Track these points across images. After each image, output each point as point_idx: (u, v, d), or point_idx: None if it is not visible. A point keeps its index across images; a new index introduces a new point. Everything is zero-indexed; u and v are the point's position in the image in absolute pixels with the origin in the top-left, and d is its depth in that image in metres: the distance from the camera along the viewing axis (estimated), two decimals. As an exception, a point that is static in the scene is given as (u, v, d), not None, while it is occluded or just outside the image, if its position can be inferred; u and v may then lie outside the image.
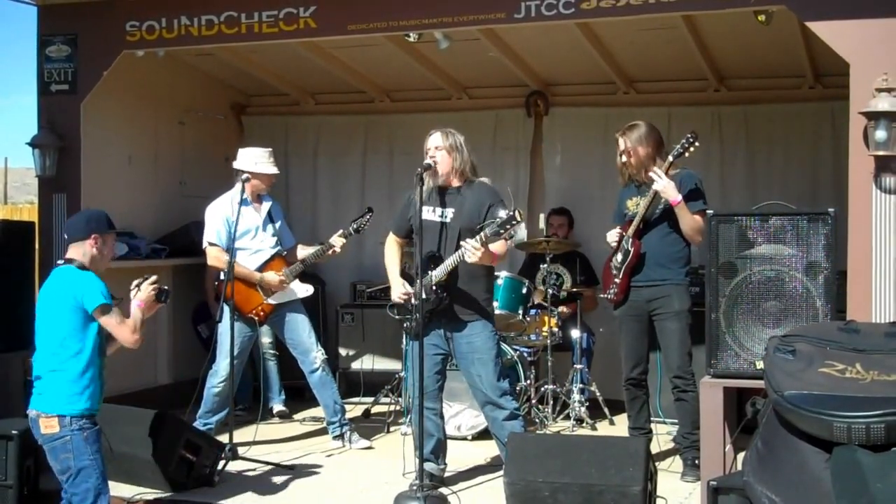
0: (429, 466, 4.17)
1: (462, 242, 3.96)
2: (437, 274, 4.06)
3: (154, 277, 3.62)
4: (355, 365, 6.31)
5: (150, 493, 4.13)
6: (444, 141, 4.17)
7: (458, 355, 4.21)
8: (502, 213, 3.89)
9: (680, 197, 4.25)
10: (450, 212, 4.15)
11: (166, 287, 3.68)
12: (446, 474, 4.34)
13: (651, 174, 4.30)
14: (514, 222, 3.84)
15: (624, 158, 4.41)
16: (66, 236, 3.63)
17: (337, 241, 4.99)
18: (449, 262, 4.05)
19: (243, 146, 5.30)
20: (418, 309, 3.97)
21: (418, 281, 4.00)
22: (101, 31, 5.21)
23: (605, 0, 4.36)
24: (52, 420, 3.44)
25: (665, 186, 4.25)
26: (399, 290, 4.23)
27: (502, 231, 3.87)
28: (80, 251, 3.54)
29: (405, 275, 4.30)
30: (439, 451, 4.29)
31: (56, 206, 5.27)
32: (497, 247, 4.04)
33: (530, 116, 6.45)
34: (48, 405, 3.46)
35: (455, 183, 4.19)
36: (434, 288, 4.06)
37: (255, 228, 4.97)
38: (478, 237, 3.92)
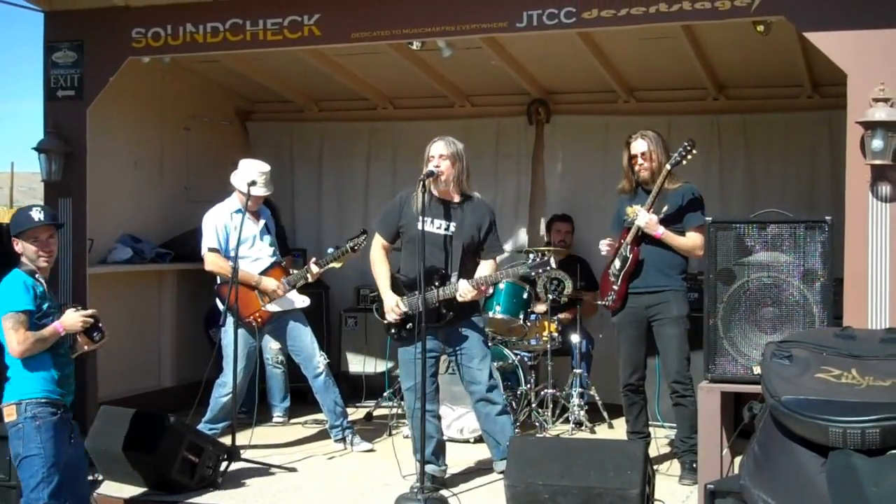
0: (430, 468, 4.21)
1: (459, 283, 4.06)
2: (441, 296, 4.10)
3: (91, 311, 3.49)
4: (357, 368, 6.35)
5: (154, 494, 4.15)
6: (446, 149, 4.17)
7: (457, 351, 4.23)
8: (534, 256, 3.95)
9: (662, 230, 4.29)
10: (450, 225, 4.18)
11: (102, 327, 3.52)
12: (447, 476, 4.38)
13: (631, 209, 4.36)
14: (548, 268, 3.90)
15: (641, 161, 4.40)
16: None
17: (313, 268, 5.01)
18: (447, 293, 4.09)
19: (248, 152, 5.34)
20: (416, 318, 4.02)
21: (420, 295, 3.98)
22: (107, 37, 5.26)
23: (606, 10, 4.41)
24: (11, 407, 3.45)
25: (647, 222, 4.30)
26: (392, 306, 4.18)
27: (533, 274, 3.94)
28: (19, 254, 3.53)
29: (394, 286, 4.27)
30: (439, 453, 4.33)
31: (62, 211, 5.30)
32: (490, 277, 4.13)
33: (532, 124, 6.51)
34: (9, 394, 3.48)
35: (455, 197, 4.21)
36: (437, 304, 4.11)
37: (253, 237, 5.01)
38: (471, 281, 4.04)
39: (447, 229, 4.17)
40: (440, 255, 4.15)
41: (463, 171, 4.19)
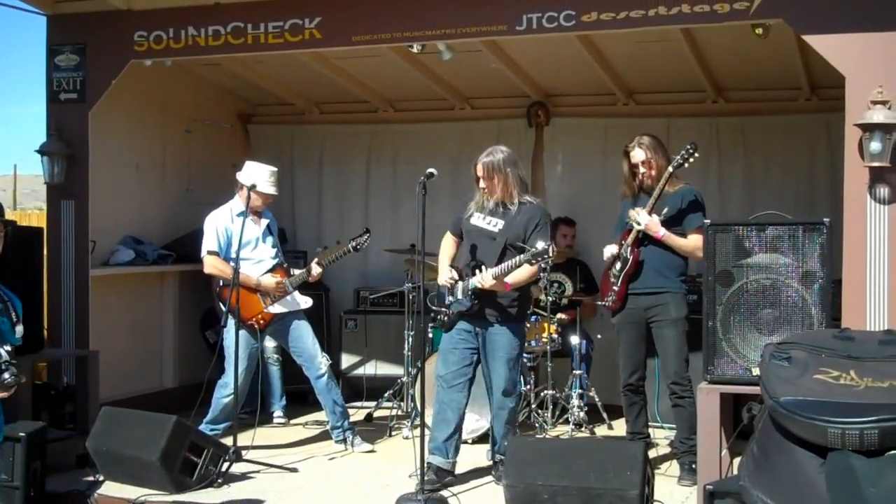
0: (437, 460, 4.34)
1: (478, 271, 4.26)
2: (471, 284, 4.31)
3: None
4: (358, 370, 6.38)
5: (155, 495, 4.17)
6: (482, 169, 4.32)
7: (483, 351, 4.40)
8: (540, 244, 4.10)
9: (663, 231, 4.31)
10: (500, 223, 4.35)
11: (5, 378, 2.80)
12: (455, 471, 4.42)
13: (633, 211, 4.38)
14: (546, 256, 4.06)
15: (643, 170, 4.43)
16: None
17: (315, 268, 5.04)
18: (475, 281, 4.28)
19: (249, 155, 5.36)
20: (450, 307, 4.34)
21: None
22: (109, 40, 5.28)
23: (605, 13, 4.43)
24: None
25: (648, 224, 4.32)
26: (446, 275, 4.42)
27: (534, 261, 4.11)
28: None
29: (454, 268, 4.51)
30: (451, 438, 4.42)
31: (64, 213, 5.34)
32: (516, 277, 4.24)
33: (531, 126, 6.52)
34: None
35: (512, 199, 4.34)
36: (470, 293, 4.30)
37: (255, 240, 5.03)
38: (491, 271, 4.20)
39: (496, 226, 4.35)
40: (485, 250, 4.35)
41: (510, 179, 4.31)
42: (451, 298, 4.35)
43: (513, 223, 4.31)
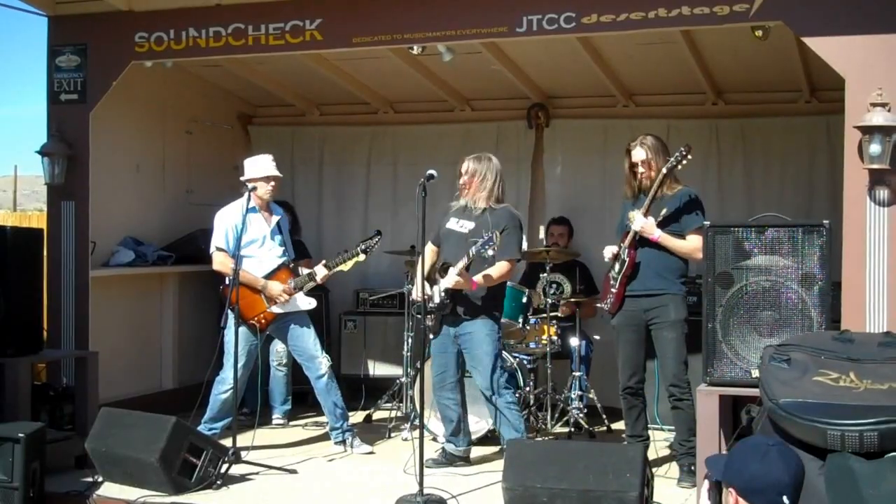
0: (449, 447, 4.73)
1: (452, 269, 4.44)
2: (442, 285, 4.50)
3: None
4: (357, 371, 6.38)
5: (154, 496, 4.16)
6: (465, 167, 4.59)
7: (462, 347, 4.60)
8: (486, 234, 4.29)
9: (659, 233, 4.31)
10: (470, 225, 4.54)
11: None
12: (447, 477, 4.42)
13: (631, 213, 4.38)
14: (490, 243, 4.25)
15: (642, 169, 4.42)
16: None
17: (320, 270, 5.04)
18: (444, 283, 4.47)
19: (249, 156, 5.36)
20: (429, 310, 4.56)
21: (435, 287, 4.55)
22: (110, 41, 5.29)
23: (605, 15, 4.44)
24: None
25: (643, 226, 4.32)
26: (416, 293, 4.65)
27: (482, 250, 4.28)
28: None
29: (430, 278, 4.65)
30: (458, 433, 4.73)
31: (64, 214, 5.35)
32: (490, 274, 4.46)
33: (532, 128, 6.54)
34: None
35: (481, 204, 4.58)
36: (442, 294, 4.51)
37: (263, 237, 5.02)
38: (452, 269, 4.40)
39: (465, 228, 4.57)
40: (455, 251, 4.54)
41: (490, 189, 4.55)
42: (431, 305, 4.55)
43: (481, 226, 4.47)
